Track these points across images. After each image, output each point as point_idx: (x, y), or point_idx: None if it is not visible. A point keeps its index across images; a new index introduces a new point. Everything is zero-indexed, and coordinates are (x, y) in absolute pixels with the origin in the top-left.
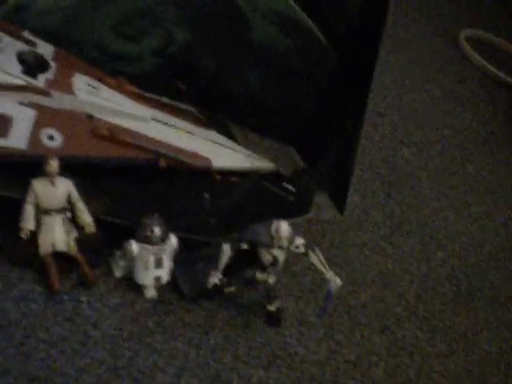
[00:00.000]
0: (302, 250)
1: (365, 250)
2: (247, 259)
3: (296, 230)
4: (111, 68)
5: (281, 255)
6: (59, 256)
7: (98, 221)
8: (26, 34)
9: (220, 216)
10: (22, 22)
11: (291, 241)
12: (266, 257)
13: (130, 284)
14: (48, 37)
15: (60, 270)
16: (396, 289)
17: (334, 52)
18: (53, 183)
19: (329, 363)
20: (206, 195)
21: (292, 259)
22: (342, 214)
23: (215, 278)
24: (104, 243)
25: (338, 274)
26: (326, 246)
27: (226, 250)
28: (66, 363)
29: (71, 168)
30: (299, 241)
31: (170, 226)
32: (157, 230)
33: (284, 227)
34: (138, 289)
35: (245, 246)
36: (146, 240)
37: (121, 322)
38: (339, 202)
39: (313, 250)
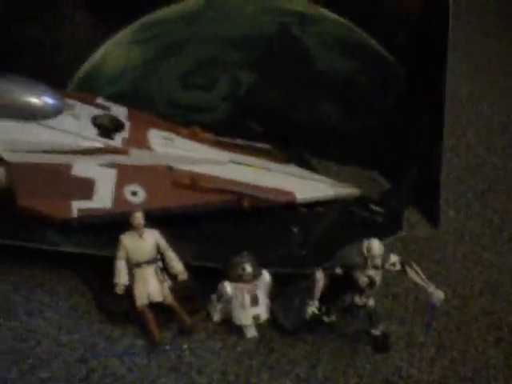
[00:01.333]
0: (398, 267)
1: (467, 263)
2: (343, 285)
3: (390, 249)
4: (184, 120)
5: (377, 275)
6: (156, 307)
7: (189, 267)
8: (100, 100)
9: (311, 247)
10: (95, 90)
11: (385, 259)
12: (361, 279)
13: (230, 326)
14: (120, 99)
15: (159, 321)
16: (507, 298)
17: (402, 66)
18: (141, 236)
19: (445, 382)
20: (295, 228)
21: (391, 281)
22: (437, 229)
23: (312, 308)
24: (198, 289)
25: (442, 291)
26: (425, 263)
27: (319, 277)
28: None
29: (157, 219)
30: (394, 258)
31: (261, 263)
32: (248, 268)
33: (376, 245)
34: (238, 330)
35: (339, 272)
36: (238, 279)
37: (225, 365)
38: (432, 217)
39: (410, 266)
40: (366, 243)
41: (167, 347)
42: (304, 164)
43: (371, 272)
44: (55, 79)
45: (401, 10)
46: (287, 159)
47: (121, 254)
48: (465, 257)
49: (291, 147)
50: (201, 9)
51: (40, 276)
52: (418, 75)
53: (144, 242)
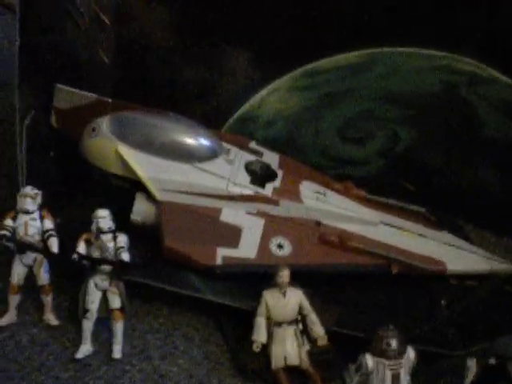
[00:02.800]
0: None
1: None
2: (496, 376)
3: None
4: (337, 173)
5: None
6: (291, 370)
7: (329, 332)
8: (253, 145)
9: (459, 325)
10: (249, 133)
11: None
12: None
13: None
14: (274, 145)
15: None
16: None
17: None
18: (284, 294)
19: None
20: (443, 301)
21: None
22: None
23: None
24: (337, 356)
25: None
26: None
27: (472, 365)
28: None
29: (300, 277)
30: None
31: (407, 338)
32: (394, 343)
33: None
34: None
35: (493, 362)
36: (382, 354)
37: None
38: None
39: None
40: None
41: None
42: (457, 231)
43: None
44: (213, 120)
45: None
46: (440, 225)
47: (262, 310)
48: None
49: (445, 212)
50: (364, 61)
51: (178, 320)
52: None
53: (287, 301)
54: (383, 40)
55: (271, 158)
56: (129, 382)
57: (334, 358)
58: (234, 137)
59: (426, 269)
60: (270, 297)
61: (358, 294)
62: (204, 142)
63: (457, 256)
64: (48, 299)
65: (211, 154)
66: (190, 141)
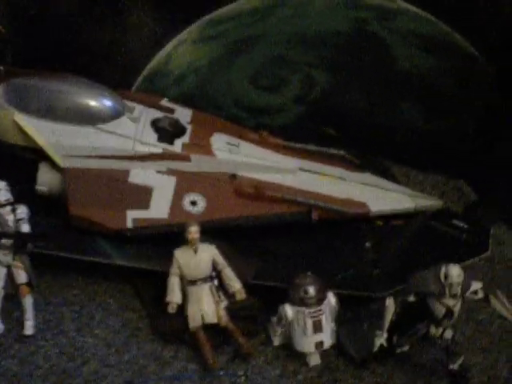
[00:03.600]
0: (480, 295)
1: None
2: (417, 314)
3: (472, 273)
4: (253, 123)
5: (455, 305)
6: (212, 328)
7: (249, 286)
8: (164, 102)
9: (385, 266)
10: (161, 90)
11: (466, 286)
12: (437, 308)
13: (291, 352)
14: (187, 100)
15: (214, 344)
16: None
17: (491, 65)
18: (195, 251)
19: None
20: (368, 244)
21: (474, 306)
22: None
23: (381, 339)
24: (259, 310)
25: None
26: None
27: (390, 305)
28: None
29: (216, 232)
30: (476, 285)
31: (327, 284)
32: (311, 291)
33: (455, 272)
34: (300, 357)
35: (412, 299)
36: (300, 302)
37: None
38: None
39: (494, 294)
40: (443, 269)
41: (221, 373)
42: (383, 172)
43: (449, 301)
44: (121, 79)
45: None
46: (363, 166)
47: (174, 270)
48: None
49: (369, 153)
50: (269, 4)
51: (92, 290)
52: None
53: (199, 257)
54: None
55: (183, 114)
56: (43, 358)
57: (256, 312)
58: (143, 95)
59: (348, 212)
60: (180, 255)
61: (279, 245)
62: (104, 102)
63: (380, 196)
64: None
65: (113, 115)
66: (88, 102)
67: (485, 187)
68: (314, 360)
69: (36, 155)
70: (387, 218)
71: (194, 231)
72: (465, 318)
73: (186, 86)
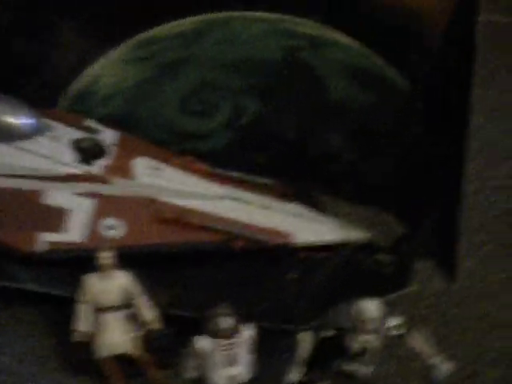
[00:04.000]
0: (402, 330)
1: (483, 324)
2: (335, 348)
3: (392, 309)
4: (181, 148)
5: (373, 341)
6: (124, 358)
7: (166, 316)
8: (88, 123)
9: (308, 298)
10: (87, 111)
11: (385, 322)
12: (352, 344)
13: None
14: (114, 122)
15: (125, 375)
16: None
17: (421, 99)
18: (109, 277)
19: None
20: (291, 275)
21: (397, 341)
22: (454, 283)
23: (295, 374)
24: (174, 340)
25: (452, 355)
26: (437, 321)
27: (303, 340)
28: None
29: (134, 258)
30: (393, 322)
31: (247, 316)
32: (225, 322)
33: (368, 307)
34: None
35: (328, 334)
36: (214, 334)
37: None
38: (449, 269)
39: (415, 330)
40: (357, 305)
41: None
42: (312, 202)
43: (364, 337)
44: (46, 96)
45: (423, 38)
46: (291, 196)
47: (83, 297)
48: (482, 316)
49: (299, 183)
50: (200, 28)
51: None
52: (438, 109)
53: (112, 284)
54: (218, 5)
55: (108, 136)
56: None
57: (171, 344)
58: (67, 115)
59: (271, 242)
60: (92, 281)
61: (198, 273)
62: (20, 118)
63: (306, 227)
64: None
65: (30, 132)
66: (3, 119)
67: (412, 222)
68: None
69: None
70: (313, 249)
71: (105, 256)
72: (387, 354)
73: (112, 107)
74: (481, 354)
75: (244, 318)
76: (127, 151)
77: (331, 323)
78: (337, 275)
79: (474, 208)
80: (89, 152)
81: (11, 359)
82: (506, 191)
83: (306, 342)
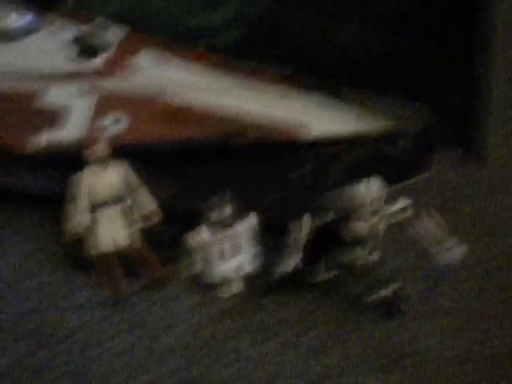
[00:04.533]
0: (407, 213)
1: None
2: (336, 236)
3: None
4: (193, 43)
5: (378, 223)
6: (125, 254)
7: (169, 211)
8: (97, 21)
9: (322, 192)
10: (98, 7)
11: (391, 204)
12: (357, 227)
13: (212, 280)
14: (121, 20)
15: (127, 270)
16: None
17: None
18: (105, 169)
19: (472, 358)
20: (307, 167)
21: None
22: (484, 169)
23: (294, 260)
24: (177, 235)
25: (485, 247)
26: (466, 211)
27: (303, 224)
28: (130, 377)
29: (136, 154)
30: (401, 204)
31: (254, 207)
32: (227, 210)
33: (373, 186)
34: (221, 284)
35: (329, 218)
36: (216, 223)
37: (199, 324)
38: (478, 154)
39: (423, 216)
40: (361, 184)
41: (134, 300)
42: (333, 94)
43: (369, 219)
44: None
45: None
46: (309, 86)
47: (81, 190)
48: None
49: (319, 73)
50: None
51: (8, 216)
52: None
53: (109, 176)
54: None
55: (113, 32)
56: None
57: (173, 237)
58: (73, 13)
59: (286, 133)
60: (87, 175)
61: (205, 166)
62: (16, 17)
63: (324, 117)
64: None
65: (26, 30)
66: None
67: (444, 110)
68: (234, 287)
69: None
70: (330, 143)
71: (100, 149)
72: (406, 247)
73: (122, 5)
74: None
75: (248, 209)
76: (132, 45)
77: (334, 206)
78: (355, 166)
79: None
80: (90, 47)
81: (18, 257)
82: None
83: (304, 226)
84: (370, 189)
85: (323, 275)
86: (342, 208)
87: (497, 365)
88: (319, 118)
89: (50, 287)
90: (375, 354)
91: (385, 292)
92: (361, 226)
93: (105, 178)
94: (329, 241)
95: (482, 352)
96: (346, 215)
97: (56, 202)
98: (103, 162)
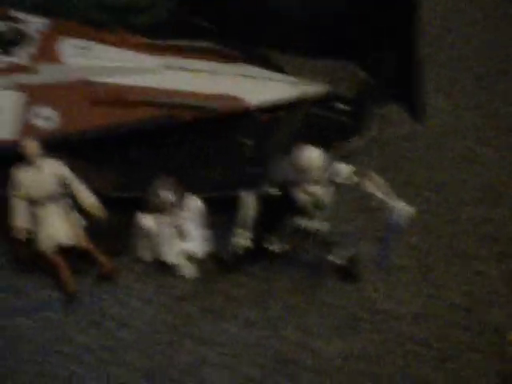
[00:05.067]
0: (355, 179)
1: (460, 162)
2: (284, 207)
3: (353, 158)
4: (121, 26)
5: (322, 192)
6: (71, 251)
7: (111, 200)
8: (12, 13)
9: (264, 162)
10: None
11: (334, 172)
12: (301, 197)
13: (164, 267)
14: (46, 10)
15: (74, 268)
16: (509, 203)
17: None
18: (38, 168)
19: (428, 313)
20: (248, 141)
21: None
22: (422, 124)
23: (242, 238)
24: (121, 225)
25: (427, 199)
26: (406, 166)
27: (247, 200)
28: (91, 376)
29: (72, 145)
30: (343, 169)
31: (201, 187)
32: (166, 194)
33: (307, 154)
34: (175, 271)
35: (274, 192)
36: (157, 209)
37: (157, 314)
38: (415, 110)
39: (369, 177)
40: (295, 153)
41: (86, 298)
42: (264, 62)
43: (313, 188)
44: None
45: None
46: (239, 58)
47: (15, 191)
48: (457, 155)
49: (249, 43)
50: None
51: None
52: None
53: (43, 174)
54: None
55: (34, 24)
56: None
57: (118, 229)
58: None
59: (223, 108)
60: (21, 173)
61: (143, 151)
62: None
63: (259, 88)
64: None
65: None
66: None
67: (378, 70)
68: (187, 272)
69: None
70: (268, 110)
71: (30, 146)
72: (355, 208)
73: None
74: (459, 194)
75: (195, 190)
76: (53, 36)
77: (274, 179)
78: (295, 133)
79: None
80: (10, 42)
81: None
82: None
83: (247, 202)
84: (300, 157)
85: (277, 247)
86: (284, 179)
87: (452, 319)
88: (252, 89)
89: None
90: (334, 320)
91: (339, 258)
92: (302, 197)
93: (40, 176)
94: (281, 212)
95: (438, 307)
96: (289, 185)
97: None
98: (36, 159)
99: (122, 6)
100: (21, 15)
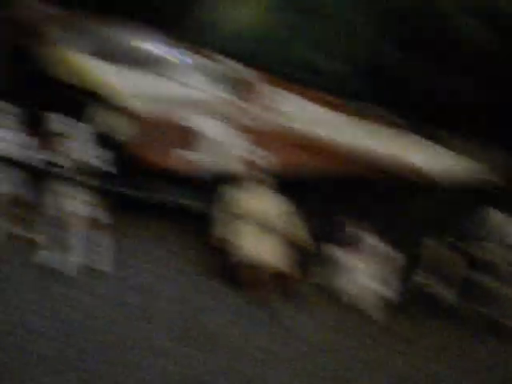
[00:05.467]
0: None
1: None
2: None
3: None
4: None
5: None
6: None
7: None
8: (217, 57)
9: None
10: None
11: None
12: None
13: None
14: (247, 59)
15: (269, 280)
16: None
17: None
18: (259, 196)
19: None
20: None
21: None
22: None
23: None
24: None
25: None
26: None
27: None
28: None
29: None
30: None
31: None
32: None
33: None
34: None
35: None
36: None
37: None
38: None
39: None
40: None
41: (277, 308)
42: (434, 138)
43: (494, 248)
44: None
45: None
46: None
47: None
48: None
49: (426, 122)
50: None
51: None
52: None
53: (261, 199)
54: None
55: (245, 71)
56: None
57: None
58: (199, 50)
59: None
60: (243, 194)
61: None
62: (165, 50)
63: (435, 159)
64: None
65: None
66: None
67: None
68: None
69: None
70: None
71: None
72: None
73: (243, 45)
74: None
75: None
76: (267, 86)
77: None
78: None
79: None
80: (233, 84)
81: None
82: None
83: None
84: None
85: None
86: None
87: None
88: (431, 160)
89: (191, 294)
90: None
91: None
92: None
93: (258, 201)
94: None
95: None
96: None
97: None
98: (259, 189)
99: (317, 70)
100: (223, 59)
